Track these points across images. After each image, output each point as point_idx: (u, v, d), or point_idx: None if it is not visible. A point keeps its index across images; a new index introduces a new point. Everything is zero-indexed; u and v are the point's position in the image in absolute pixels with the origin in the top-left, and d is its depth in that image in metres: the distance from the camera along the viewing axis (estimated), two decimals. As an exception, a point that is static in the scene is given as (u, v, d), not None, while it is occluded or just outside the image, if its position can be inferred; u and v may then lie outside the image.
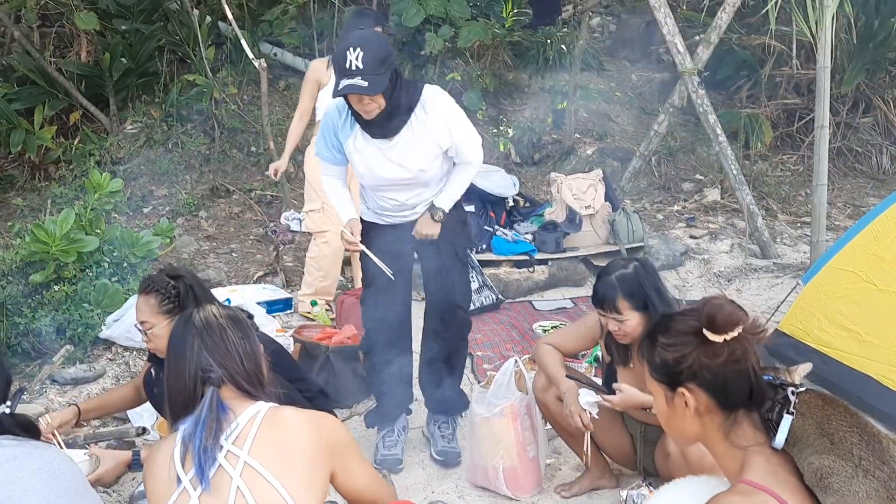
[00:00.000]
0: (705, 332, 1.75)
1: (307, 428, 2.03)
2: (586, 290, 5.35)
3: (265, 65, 6.17)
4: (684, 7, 8.67)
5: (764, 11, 5.94)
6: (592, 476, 3.34)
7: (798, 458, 1.73)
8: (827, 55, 5.22)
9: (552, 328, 4.82)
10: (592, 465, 3.30)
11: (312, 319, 4.97)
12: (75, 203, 5.52)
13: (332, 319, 4.93)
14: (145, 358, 3.35)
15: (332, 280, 5.15)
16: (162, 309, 2.84)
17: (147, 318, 2.86)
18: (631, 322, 2.96)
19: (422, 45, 7.32)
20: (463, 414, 3.72)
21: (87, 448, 3.00)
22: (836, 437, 1.73)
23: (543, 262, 5.76)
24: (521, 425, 3.31)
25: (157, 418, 3.62)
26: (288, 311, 5.17)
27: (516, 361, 3.41)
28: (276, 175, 5.27)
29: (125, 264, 4.79)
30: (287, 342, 4.26)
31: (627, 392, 2.96)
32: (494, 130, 7.43)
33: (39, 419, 2.87)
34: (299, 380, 2.98)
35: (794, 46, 6.61)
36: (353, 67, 3.08)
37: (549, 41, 7.95)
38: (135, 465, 2.77)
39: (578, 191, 5.99)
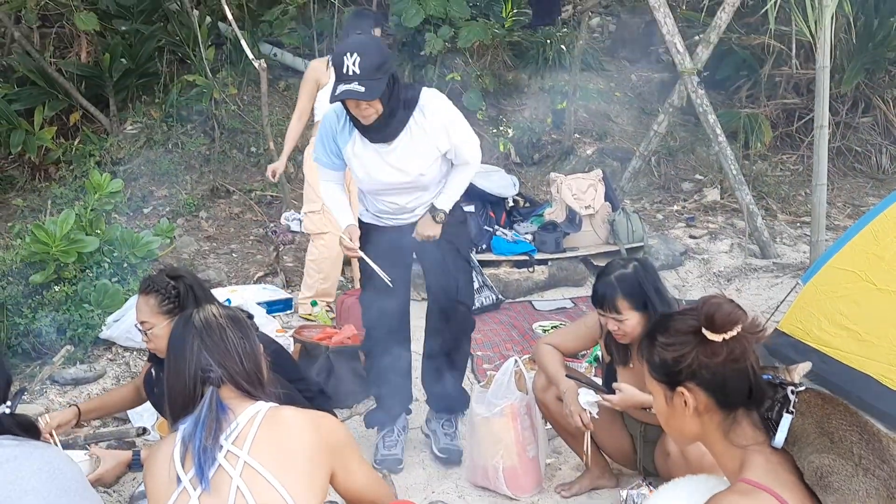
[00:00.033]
0: (704, 331, 1.75)
1: (307, 428, 2.03)
2: (586, 290, 5.35)
3: (265, 65, 6.18)
4: (684, 7, 8.66)
5: (763, 11, 5.95)
6: (592, 476, 3.34)
7: (798, 457, 1.72)
8: (826, 55, 5.22)
9: (552, 328, 4.83)
10: (592, 464, 3.30)
11: (313, 320, 4.97)
12: (75, 203, 5.52)
13: (332, 320, 4.93)
14: (145, 358, 3.35)
15: (333, 282, 5.15)
16: (162, 309, 2.84)
17: (147, 318, 2.86)
18: (630, 322, 2.96)
19: (421, 45, 7.32)
20: (464, 412, 3.72)
21: (87, 448, 3.00)
22: (836, 436, 1.73)
23: (543, 262, 5.76)
24: (521, 425, 3.31)
25: (157, 418, 3.62)
26: (288, 312, 5.17)
27: (516, 361, 3.42)
28: (274, 176, 5.27)
29: (125, 265, 4.79)
30: (287, 342, 4.27)
31: (627, 392, 2.96)
32: (494, 130, 7.43)
33: (39, 419, 2.87)
34: (299, 380, 2.99)
35: (794, 46, 6.61)
36: (350, 73, 3.08)
37: (548, 41, 7.95)
38: (135, 465, 2.78)
39: (578, 191, 5.98)
